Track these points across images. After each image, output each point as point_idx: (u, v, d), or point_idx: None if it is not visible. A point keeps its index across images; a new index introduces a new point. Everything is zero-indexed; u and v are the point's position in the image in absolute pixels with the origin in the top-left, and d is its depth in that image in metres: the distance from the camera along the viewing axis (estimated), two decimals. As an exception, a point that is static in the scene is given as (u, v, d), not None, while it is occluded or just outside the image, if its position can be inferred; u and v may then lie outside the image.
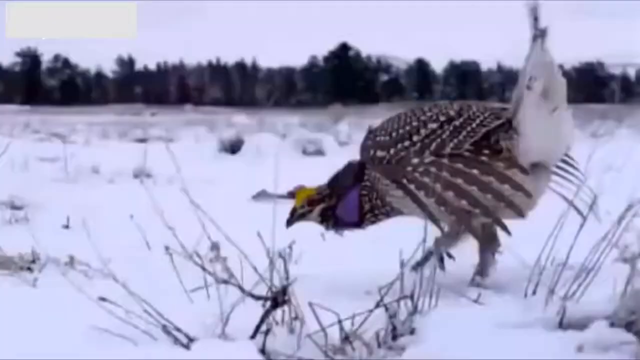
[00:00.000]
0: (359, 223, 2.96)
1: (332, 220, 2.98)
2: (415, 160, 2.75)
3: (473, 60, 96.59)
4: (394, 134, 2.83)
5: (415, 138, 2.79)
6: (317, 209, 2.99)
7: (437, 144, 2.77)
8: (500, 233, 2.77)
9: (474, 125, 2.80)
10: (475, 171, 2.71)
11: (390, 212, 2.93)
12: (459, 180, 2.69)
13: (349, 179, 2.94)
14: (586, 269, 2.13)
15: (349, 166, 2.99)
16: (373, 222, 2.97)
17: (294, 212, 2.99)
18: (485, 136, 2.76)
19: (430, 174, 2.67)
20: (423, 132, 2.80)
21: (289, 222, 2.96)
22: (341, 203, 2.93)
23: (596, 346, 1.86)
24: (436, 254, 2.76)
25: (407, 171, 2.74)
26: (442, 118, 2.82)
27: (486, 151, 2.74)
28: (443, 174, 2.69)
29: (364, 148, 2.91)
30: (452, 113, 2.82)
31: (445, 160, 2.71)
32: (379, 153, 2.84)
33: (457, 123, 2.81)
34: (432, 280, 2.20)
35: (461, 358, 1.85)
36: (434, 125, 2.81)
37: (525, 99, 2.74)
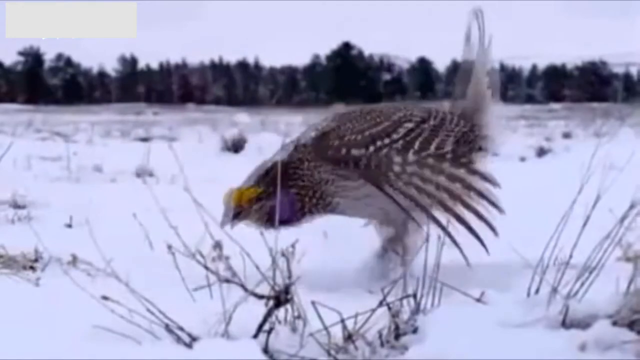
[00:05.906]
0: (294, 221, 2.92)
1: (267, 219, 2.90)
2: (398, 159, 2.72)
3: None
4: (366, 133, 2.77)
5: (394, 136, 2.76)
6: (255, 208, 2.93)
7: (421, 142, 2.75)
8: None
9: (449, 125, 2.82)
10: (462, 170, 2.72)
11: (330, 210, 2.90)
12: (442, 179, 2.70)
13: (277, 178, 2.79)
14: (589, 267, 2.13)
15: (276, 165, 2.89)
16: (308, 220, 2.95)
17: (236, 212, 2.92)
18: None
19: (413, 179, 2.67)
20: (401, 131, 2.78)
21: (225, 224, 2.86)
22: (277, 202, 2.74)
23: (599, 345, 1.86)
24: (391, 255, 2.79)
25: (389, 177, 2.70)
26: (415, 118, 2.82)
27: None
28: (426, 173, 2.69)
29: (324, 147, 2.81)
30: (422, 114, 2.83)
31: (430, 160, 2.71)
32: (355, 152, 2.75)
33: (433, 123, 2.81)
34: (435, 280, 2.19)
35: (464, 357, 1.85)
36: (410, 125, 2.79)
37: (488, 100, 2.83)
